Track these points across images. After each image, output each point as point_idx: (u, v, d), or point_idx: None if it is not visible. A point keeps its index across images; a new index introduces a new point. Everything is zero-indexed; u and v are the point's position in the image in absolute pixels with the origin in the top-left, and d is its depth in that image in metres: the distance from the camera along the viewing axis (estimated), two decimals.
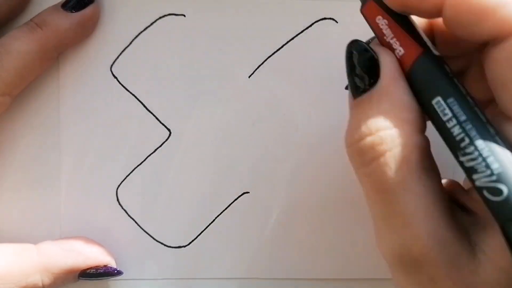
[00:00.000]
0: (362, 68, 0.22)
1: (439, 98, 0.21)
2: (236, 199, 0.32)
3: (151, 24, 0.30)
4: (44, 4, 0.29)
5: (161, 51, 0.31)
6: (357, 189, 0.32)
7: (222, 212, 0.32)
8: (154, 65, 0.31)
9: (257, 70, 0.31)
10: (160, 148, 0.31)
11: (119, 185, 0.31)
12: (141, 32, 0.30)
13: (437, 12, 0.21)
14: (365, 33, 0.31)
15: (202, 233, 0.32)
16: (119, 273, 0.31)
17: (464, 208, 0.22)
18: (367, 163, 0.21)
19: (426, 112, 0.22)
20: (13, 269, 0.28)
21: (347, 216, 0.32)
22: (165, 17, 0.30)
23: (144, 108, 0.31)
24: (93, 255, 0.30)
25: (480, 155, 0.20)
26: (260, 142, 0.31)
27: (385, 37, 0.23)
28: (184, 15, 0.30)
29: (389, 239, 0.21)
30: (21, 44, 0.27)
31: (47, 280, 0.28)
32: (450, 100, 0.21)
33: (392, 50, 0.22)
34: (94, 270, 0.30)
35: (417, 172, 0.21)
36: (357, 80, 0.23)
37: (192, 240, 0.32)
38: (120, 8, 0.30)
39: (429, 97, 0.21)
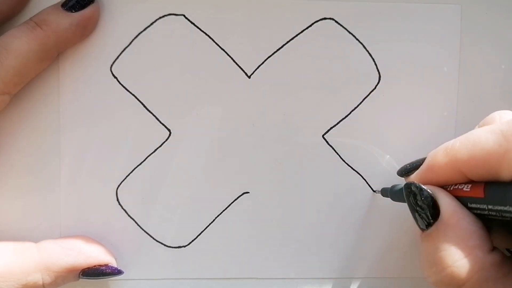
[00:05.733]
0: (422, 205, 0.25)
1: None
2: (236, 199, 0.32)
3: (151, 24, 0.30)
4: (44, 4, 0.29)
5: (161, 51, 0.31)
6: (357, 190, 0.32)
7: (222, 212, 0.32)
8: (154, 65, 0.31)
9: (257, 70, 0.31)
10: (160, 148, 0.31)
11: (119, 185, 0.31)
12: (141, 32, 0.30)
13: (461, 178, 0.24)
14: (365, 34, 0.31)
15: (202, 233, 0.32)
16: (120, 272, 0.31)
17: None
18: None
19: None
20: (14, 268, 0.28)
21: (347, 216, 0.32)
22: (165, 17, 0.30)
23: (144, 108, 0.31)
24: (94, 254, 0.30)
25: None
26: (260, 142, 0.31)
27: (449, 188, 0.25)
28: (184, 15, 0.30)
29: None
30: (20, 43, 0.27)
31: (47, 279, 0.28)
32: None
33: (461, 190, 0.25)
34: (95, 269, 0.30)
35: (501, 283, 0.23)
36: (420, 216, 0.25)
37: (192, 240, 0.32)
38: (120, 8, 0.30)
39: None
